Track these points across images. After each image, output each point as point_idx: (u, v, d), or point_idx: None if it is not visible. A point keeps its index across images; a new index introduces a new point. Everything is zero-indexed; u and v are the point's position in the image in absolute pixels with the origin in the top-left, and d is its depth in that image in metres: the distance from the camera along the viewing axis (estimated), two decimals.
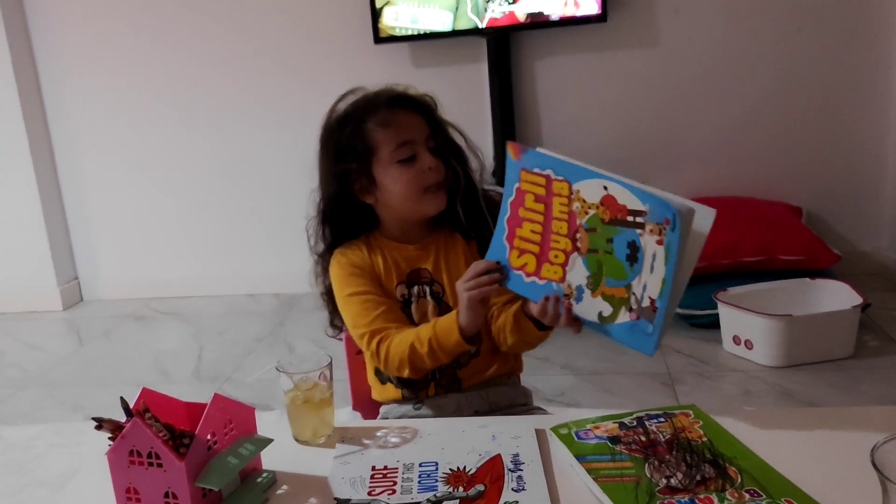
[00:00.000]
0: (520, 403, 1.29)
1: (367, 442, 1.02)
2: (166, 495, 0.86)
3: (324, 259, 1.30)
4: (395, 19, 3.02)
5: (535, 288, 1.06)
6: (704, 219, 0.95)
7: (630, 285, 0.97)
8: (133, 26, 3.31)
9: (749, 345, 2.40)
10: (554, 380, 2.38)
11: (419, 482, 0.91)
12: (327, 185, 1.26)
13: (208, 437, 0.88)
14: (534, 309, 1.08)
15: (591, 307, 1.02)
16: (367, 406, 1.36)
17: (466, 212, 1.25)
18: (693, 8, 3.03)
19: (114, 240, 3.58)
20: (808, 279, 2.57)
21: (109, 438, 0.87)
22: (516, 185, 1.06)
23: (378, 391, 1.31)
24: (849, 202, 3.14)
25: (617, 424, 0.99)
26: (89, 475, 1.00)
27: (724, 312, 2.48)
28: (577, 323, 1.05)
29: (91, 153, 3.48)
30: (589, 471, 0.88)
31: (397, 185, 1.21)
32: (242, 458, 0.90)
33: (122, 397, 0.88)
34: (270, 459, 0.96)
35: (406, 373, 1.19)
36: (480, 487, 0.89)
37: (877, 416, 1.11)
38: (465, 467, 0.93)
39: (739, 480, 0.85)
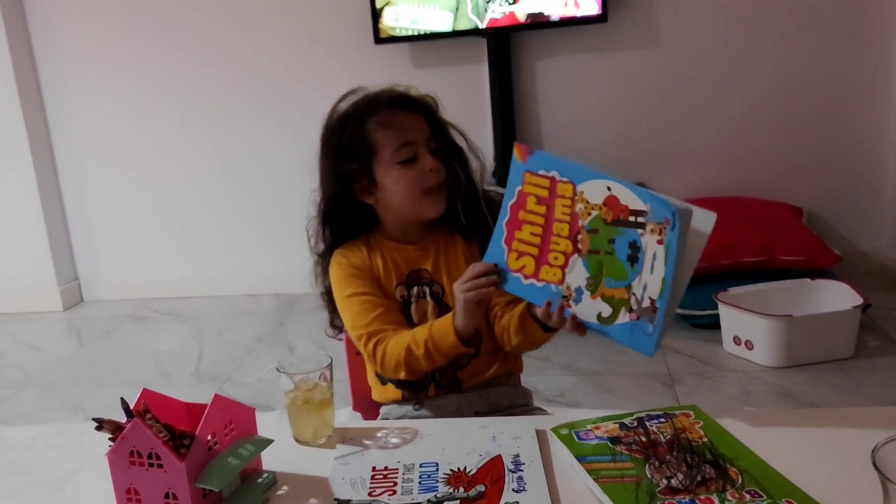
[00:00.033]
0: (520, 404, 1.29)
1: (367, 442, 1.02)
2: (167, 496, 0.86)
3: (324, 259, 1.30)
4: (396, 20, 3.02)
5: (534, 290, 1.06)
6: (705, 221, 0.95)
7: (630, 286, 0.98)
8: (133, 26, 3.31)
9: (749, 345, 2.40)
10: (554, 380, 2.38)
11: (420, 483, 0.91)
12: (328, 185, 1.26)
13: (208, 437, 0.88)
14: (538, 311, 1.08)
15: (590, 308, 1.02)
16: (367, 407, 1.36)
17: (467, 212, 1.25)
18: (693, 8, 3.03)
19: (114, 240, 3.58)
20: (808, 279, 2.57)
21: (110, 439, 0.87)
22: (519, 187, 1.05)
23: (378, 392, 1.31)
24: (849, 202, 3.14)
25: (617, 425, 0.99)
26: (89, 476, 1.00)
27: (725, 313, 2.48)
28: (581, 327, 1.04)
29: (91, 153, 3.48)
30: (589, 471, 0.88)
31: (398, 186, 1.21)
32: (243, 458, 0.90)
33: (122, 398, 0.88)
34: (271, 460, 0.96)
35: (402, 375, 1.19)
36: (481, 488, 0.89)
37: (877, 416, 1.11)
38: (465, 468, 0.93)
39: (740, 481, 0.85)
